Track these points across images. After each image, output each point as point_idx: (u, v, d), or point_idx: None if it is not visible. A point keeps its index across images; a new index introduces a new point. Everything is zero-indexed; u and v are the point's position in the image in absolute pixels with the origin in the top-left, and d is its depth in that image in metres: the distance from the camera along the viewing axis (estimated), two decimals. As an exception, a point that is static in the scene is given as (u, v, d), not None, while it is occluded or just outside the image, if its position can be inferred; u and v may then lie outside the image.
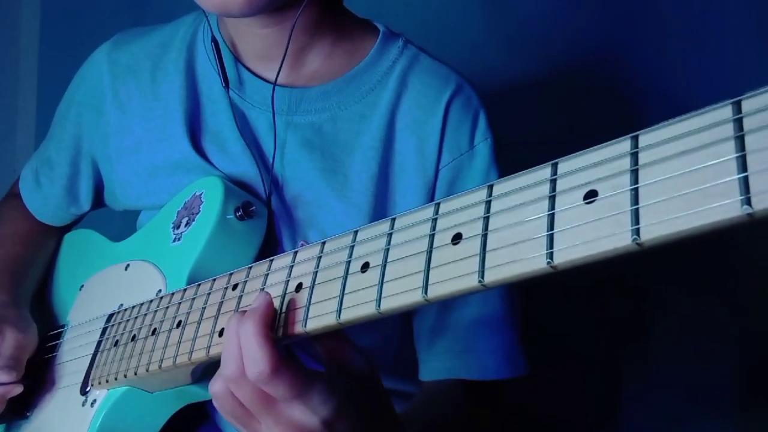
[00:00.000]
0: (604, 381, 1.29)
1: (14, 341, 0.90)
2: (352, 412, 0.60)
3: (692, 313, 1.23)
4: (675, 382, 1.24)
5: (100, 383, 0.81)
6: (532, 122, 1.31)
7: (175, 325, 0.73)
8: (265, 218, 0.87)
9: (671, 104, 1.27)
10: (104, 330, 0.86)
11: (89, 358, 0.86)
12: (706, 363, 1.22)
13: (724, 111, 0.38)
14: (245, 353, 0.57)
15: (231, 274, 0.70)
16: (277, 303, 0.62)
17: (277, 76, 0.88)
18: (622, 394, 1.29)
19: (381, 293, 0.53)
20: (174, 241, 0.87)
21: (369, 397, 0.63)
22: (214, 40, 0.91)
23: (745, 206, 0.36)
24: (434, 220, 0.52)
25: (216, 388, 0.61)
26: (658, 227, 0.39)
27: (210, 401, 0.83)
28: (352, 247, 0.58)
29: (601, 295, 1.24)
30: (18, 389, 0.88)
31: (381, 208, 0.88)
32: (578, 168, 0.44)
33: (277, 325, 0.61)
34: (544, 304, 1.02)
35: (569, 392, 1.28)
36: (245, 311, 0.60)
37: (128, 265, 0.93)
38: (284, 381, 0.56)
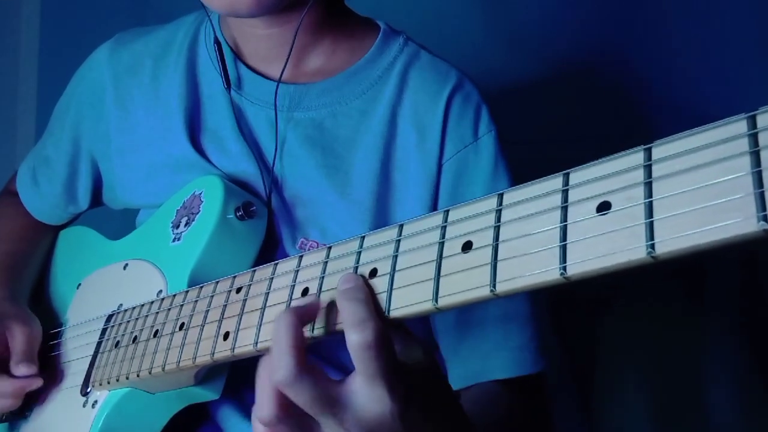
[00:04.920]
0: (604, 381, 1.30)
1: (24, 335, 0.90)
2: (420, 402, 0.56)
3: (693, 312, 1.24)
4: (676, 382, 1.25)
5: (101, 384, 0.80)
6: (532, 122, 1.32)
7: (177, 328, 0.72)
8: (265, 218, 0.87)
9: (672, 103, 1.28)
10: (104, 331, 0.86)
11: (89, 358, 0.85)
12: (707, 362, 1.23)
13: (739, 125, 0.38)
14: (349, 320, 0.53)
15: (234, 277, 0.70)
16: (282, 308, 0.62)
17: (281, 75, 0.88)
18: (622, 394, 1.30)
19: (390, 301, 0.53)
20: (174, 240, 0.87)
21: (434, 389, 0.59)
22: (217, 41, 0.91)
23: (762, 222, 0.36)
24: (443, 228, 0.52)
25: (265, 410, 0.56)
26: (673, 241, 0.39)
27: (212, 402, 0.83)
28: (359, 253, 0.58)
29: (604, 294, 1.24)
30: (38, 382, 0.88)
31: (383, 204, 0.88)
32: (590, 179, 0.44)
33: None
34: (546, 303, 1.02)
35: (570, 394, 1.28)
36: (293, 308, 0.56)
37: (127, 264, 0.92)
38: (387, 351, 0.53)
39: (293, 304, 0.60)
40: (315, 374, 0.53)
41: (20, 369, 0.87)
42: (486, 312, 0.85)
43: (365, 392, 0.53)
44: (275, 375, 0.54)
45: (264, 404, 0.56)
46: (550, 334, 0.89)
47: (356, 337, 0.52)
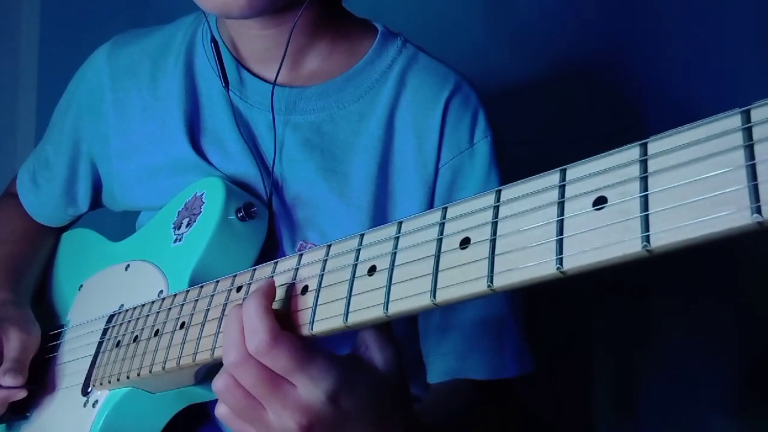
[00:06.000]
0: (605, 381, 1.30)
1: (19, 342, 0.90)
2: (358, 389, 0.61)
3: (694, 312, 1.24)
4: (677, 382, 1.25)
5: (102, 384, 0.81)
6: (533, 121, 1.32)
7: (178, 326, 0.73)
8: (266, 219, 0.87)
9: (671, 103, 1.28)
10: (105, 330, 0.86)
11: (90, 358, 0.85)
12: (707, 362, 1.23)
13: (733, 120, 0.39)
14: (246, 328, 0.59)
15: (235, 276, 0.70)
16: (281, 305, 0.62)
17: (277, 76, 0.88)
18: (623, 395, 1.30)
19: (389, 296, 0.54)
20: (175, 241, 0.87)
21: (379, 386, 0.63)
22: (214, 41, 0.91)
23: (755, 215, 0.36)
24: (442, 225, 0.53)
25: (219, 383, 0.62)
26: (668, 234, 0.39)
27: (212, 402, 0.83)
28: (359, 250, 0.58)
29: (602, 294, 1.24)
30: (22, 394, 0.88)
31: (381, 207, 0.88)
32: (587, 174, 0.45)
33: (283, 326, 0.61)
34: (545, 303, 1.02)
35: (571, 393, 1.28)
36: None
37: (128, 265, 0.93)
38: (284, 350, 0.57)
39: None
40: (259, 362, 0.59)
41: (6, 379, 0.87)
42: (468, 313, 0.88)
43: (294, 387, 0.59)
44: (226, 358, 0.60)
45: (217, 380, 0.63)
46: (527, 340, 0.90)
47: (251, 344, 0.58)
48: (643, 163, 0.42)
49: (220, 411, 0.64)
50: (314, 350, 0.59)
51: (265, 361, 0.58)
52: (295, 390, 0.59)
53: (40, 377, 0.93)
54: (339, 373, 0.59)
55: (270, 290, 0.61)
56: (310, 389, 0.59)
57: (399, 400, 0.66)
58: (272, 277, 0.65)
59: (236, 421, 0.63)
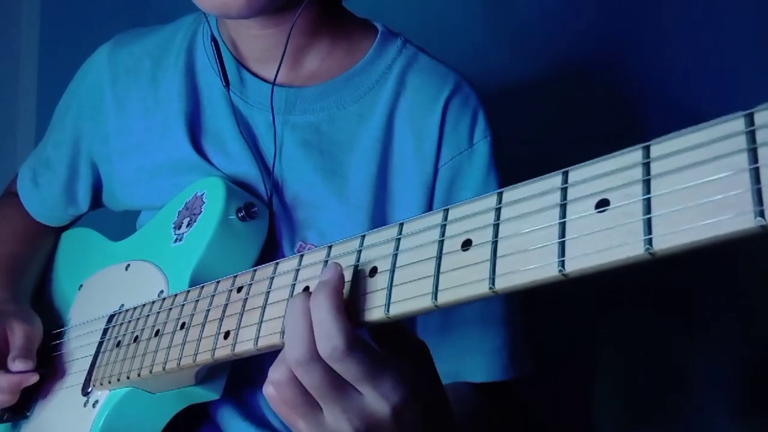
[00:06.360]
0: (609, 384, 1.30)
1: (23, 331, 0.90)
2: (419, 400, 0.59)
3: (695, 314, 1.24)
4: (680, 385, 1.25)
5: (102, 384, 0.81)
6: (533, 121, 1.32)
7: (178, 327, 0.73)
8: (266, 219, 0.87)
9: (671, 103, 1.28)
10: (105, 330, 0.86)
11: (90, 358, 0.85)
12: (709, 365, 1.23)
13: (737, 123, 0.39)
14: (319, 328, 0.55)
15: (235, 277, 0.70)
16: (283, 306, 0.62)
17: (276, 76, 0.88)
18: (626, 398, 1.30)
19: (390, 298, 0.54)
20: (175, 241, 0.87)
21: (428, 382, 0.62)
22: (214, 40, 0.91)
23: (759, 218, 0.36)
24: (443, 226, 0.53)
25: (278, 374, 0.58)
26: (671, 237, 0.39)
27: (212, 402, 0.83)
28: (360, 251, 0.58)
29: (604, 296, 1.24)
30: (34, 378, 0.89)
31: (380, 207, 0.88)
32: (589, 177, 0.45)
33: None
34: (547, 306, 1.02)
35: (573, 396, 1.28)
36: (310, 292, 0.57)
37: (128, 265, 0.93)
38: (359, 359, 0.55)
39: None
40: (326, 365, 0.56)
41: (16, 365, 0.87)
42: (465, 314, 0.87)
43: (361, 395, 0.57)
44: (291, 353, 0.56)
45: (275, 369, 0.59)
46: (525, 342, 0.89)
47: (324, 348, 0.55)
48: (646, 166, 0.42)
49: (270, 392, 0.60)
50: (387, 360, 0.57)
51: (335, 367, 0.56)
52: (362, 398, 0.57)
53: (41, 376, 0.93)
54: (409, 389, 0.58)
55: (341, 284, 0.56)
56: (378, 400, 0.57)
57: (443, 399, 0.65)
58: (338, 265, 0.59)
59: (285, 409, 0.60)
